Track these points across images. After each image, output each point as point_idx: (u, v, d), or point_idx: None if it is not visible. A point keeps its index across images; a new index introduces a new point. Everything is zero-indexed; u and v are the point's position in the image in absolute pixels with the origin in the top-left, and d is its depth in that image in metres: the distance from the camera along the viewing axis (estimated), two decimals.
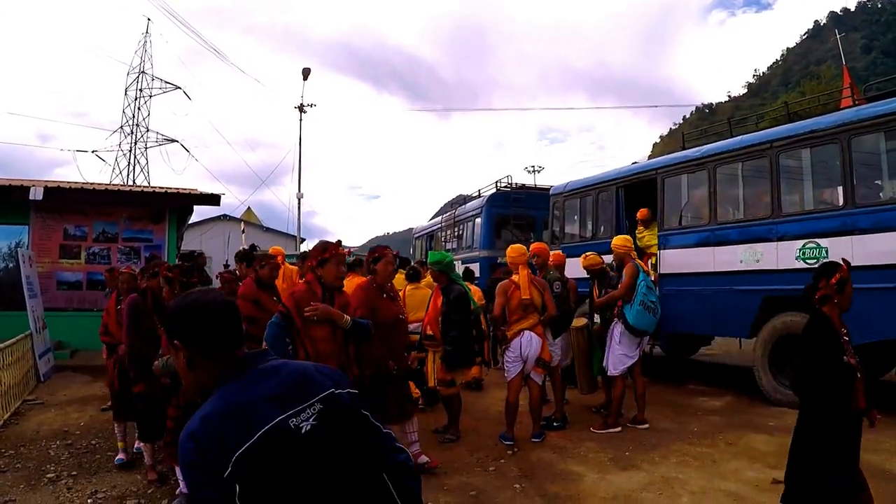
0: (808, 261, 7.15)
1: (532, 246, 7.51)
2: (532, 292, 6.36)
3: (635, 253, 7.34)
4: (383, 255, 5.43)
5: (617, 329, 6.94)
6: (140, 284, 5.84)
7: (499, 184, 15.40)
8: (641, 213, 9.65)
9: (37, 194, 11.75)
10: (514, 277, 6.45)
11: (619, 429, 6.78)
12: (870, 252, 6.64)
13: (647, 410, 7.05)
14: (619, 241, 7.23)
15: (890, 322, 6.49)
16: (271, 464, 1.52)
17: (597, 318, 7.47)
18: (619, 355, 6.87)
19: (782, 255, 7.47)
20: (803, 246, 7.23)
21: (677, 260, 8.93)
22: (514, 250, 6.70)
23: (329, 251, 4.40)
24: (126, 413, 5.86)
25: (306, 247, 35.68)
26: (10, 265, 12.04)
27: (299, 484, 1.57)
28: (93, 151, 44.08)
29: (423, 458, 5.55)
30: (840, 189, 7.27)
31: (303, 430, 1.59)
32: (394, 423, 5.24)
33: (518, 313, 6.31)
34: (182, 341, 1.69)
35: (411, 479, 1.86)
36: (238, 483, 1.46)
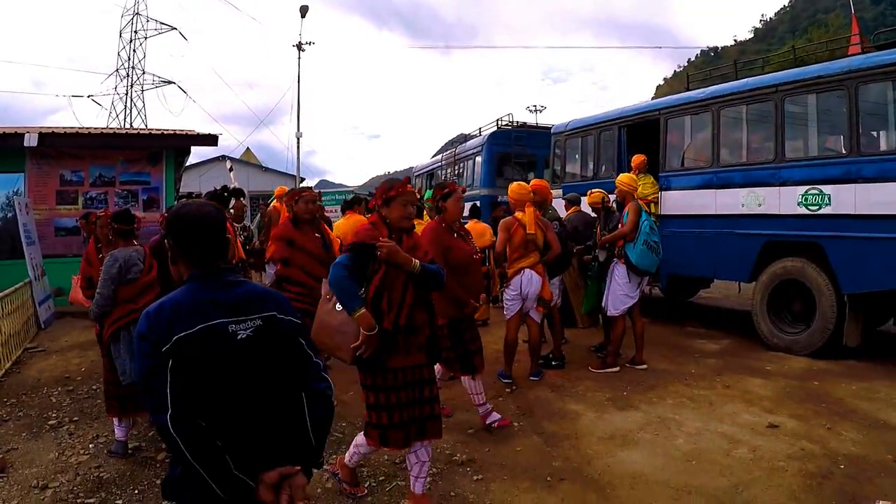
0: (809, 207, 7.12)
1: (532, 183, 7.48)
2: (536, 229, 6.28)
3: (638, 193, 7.31)
4: (453, 190, 5.00)
5: (618, 269, 6.92)
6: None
7: (500, 122, 15.20)
8: (635, 159, 9.57)
9: (31, 141, 11.61)
10: (518, 215, 6.36)
11: (617, 369, 6.82)
12: (872, 202, 6.61)
13: (645, 351, 7.08)
14: (624, 178, 7.17)
15: (889, 272, 6.48)
16: (202, 353, 1.92)
17: (600, 256, 7.33)
18: (620, 295, 6.86)
19: (784, 200, 7.42)
20: (805, 192, 7.18)
21: (679, 202, 8.89)
22: (518, 187, 6.58)
23: (395, 189, 3.86)
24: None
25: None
26: (9, 214, 11.86)
27: (221, 377, 1.95)
28: (88, 96, 43.66)
29: (495, 416, 5.30)
30: (845, 137, 7.20)
31: (238, 337, 1.99)
32: (476, 373, 5.15)
33: (519, 251, 6.24)
34: (172, 240, 2.12)
35: (326, 406, 2.19)
36: (172, 358, 1.87)
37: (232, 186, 7.63)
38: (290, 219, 5.68)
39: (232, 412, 1.96)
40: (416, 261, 3.61)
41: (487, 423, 5.25)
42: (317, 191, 5.65)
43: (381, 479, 4.41)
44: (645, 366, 6.96)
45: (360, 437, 3.91)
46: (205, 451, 1.86)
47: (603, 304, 7.13)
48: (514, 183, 6.68)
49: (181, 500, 2.02)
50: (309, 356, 2.18)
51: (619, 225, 6.99)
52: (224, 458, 1.88)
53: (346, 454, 4.07)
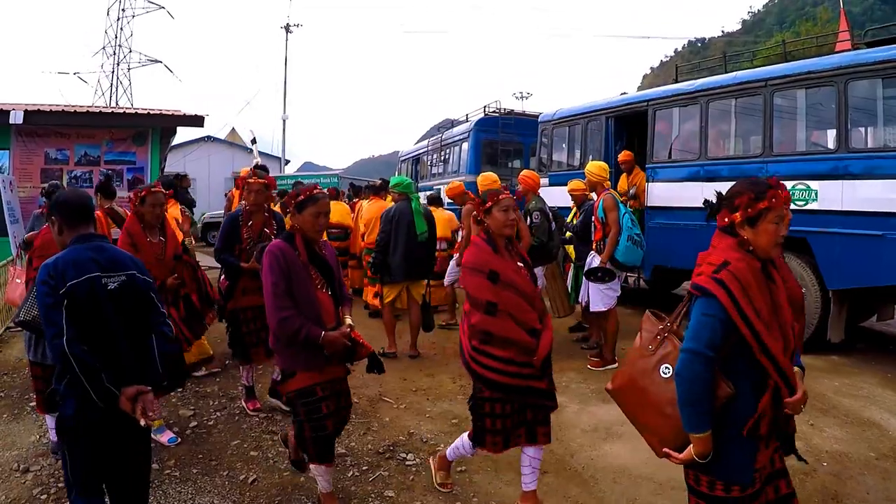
0: (796, 202, 7.14)
1: (522, 173, 7.61)
2: (518, 220, 6.30)
3: (609, 183, 7.20)
4: (497, 201, 3.69)
5: (595, 263, 6.85)
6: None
7: (487, 109, 15.16)
8: (623, 156, 9.59)
9: (16, 118, 11.46)
10: None
11: (615, 364, 6.67)
12: (859, 198, 6.64)
13: (629, 343, 7.05)
14: (593, 167, 7.07)
15: (874, 269, 6.53)
16: (86, 297, 2.66)
17: (596, 260, 6.91)
18: (604, 291, 6.79)
19: None
20: (793, 187, 7.20)
21: (665, 193, 8.91)
22: (485, 178, 7.11)
23: (491, 198, 3.64)
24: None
25: (291, 169, 35.11)
26: None
27: (97, 315, 2.69)
28: (74, 73, 43.15)
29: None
30: (833, 132, 7.22)
31: (108, 287, 2.75)
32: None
33: None
34: (59, 216, 2.88)
35: (171, 344, 3.05)
36: (66, 299, 2.60)
37: (255, 162, 7.41)
38: (137, 217, 4.83)
39: (105, 341, 2.70)
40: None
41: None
42: (262, 179, 5.37)
43: (364, 468, 4.41)
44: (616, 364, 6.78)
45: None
46: (87, 366, 2.57)
47: (581, 299, 7.11)
48: (483, 173, 6.83)
49: (63, 408, 2.70)
50: (157, 306, 2.97)
51: (593, 217, 6.94)
52: (100, 373, 2.59)
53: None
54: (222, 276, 5.81)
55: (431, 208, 8.25)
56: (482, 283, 3.52)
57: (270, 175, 5.87)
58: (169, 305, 4.57)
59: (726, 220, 2.45)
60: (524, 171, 7.73)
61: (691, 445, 2.37)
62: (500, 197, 3.67)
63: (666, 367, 2.51)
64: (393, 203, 7.31)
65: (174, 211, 7.00)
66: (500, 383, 3.48)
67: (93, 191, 7.92)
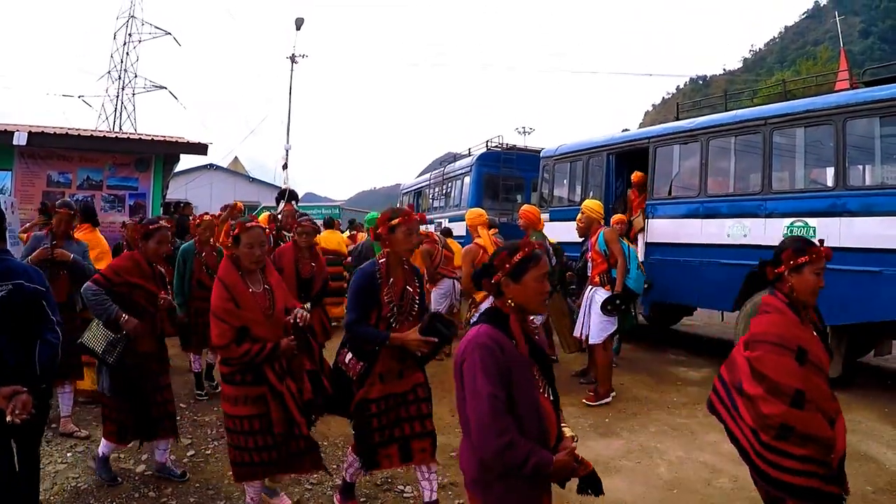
0: None
1: (522, 208, 7.69)
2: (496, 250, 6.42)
3: (603, 221, 7.31)
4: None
5: (599, 294, 6.86)
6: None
7: (489, 143, 15.29)
8: (636, 176, 9.70)
9: (20, 139, 11.49)
10: (478, 240, 6.56)
11: (609, 399, 6.70)
12: (856, 235, 6.69)
13: (627, 378, 7.11)
14: (592, 204, 7.20)
15: (872, 305, 6.55)
16: None
17: (598, 293, 6.91)
18: (604, 322, 6.80)
19: (770, 231, 7.49)
20: (791, 224, 7.26)
21: (665, 230, 8.96)
22: (471, 213, 7.30)
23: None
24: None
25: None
26: None
27: None
28: (79, 96, 43.40)
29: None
30: (832, 170, 7.28)
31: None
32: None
33: None
34: None
35: (51, 351, 3.15)
36: None
37: (284, 187, 7.30)
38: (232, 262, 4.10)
39: None
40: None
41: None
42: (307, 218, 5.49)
43: (362, 500, 4.39)
44: (612, 396, 6.82)
45: None
46: None
47: (578, 332, 7.12)
48: (469, 209, 6.97)
49: None
50: (47, 314, 3.18)
51: (590, 253, 7.06)
52: None
53: None
54: (349, 356, 3.94)
55: (327, 231, 8.67)
56: (789, 366, 2.86)
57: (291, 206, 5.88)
58: (284, 375, 3.81)
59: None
60: (525, 206, 7.79)
61: None
62: (409, 218, 3.82)
63: None
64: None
65: (93, 237, 6.73)
66: (805, 488, 2.80)
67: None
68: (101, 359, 4.34)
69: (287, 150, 28.10)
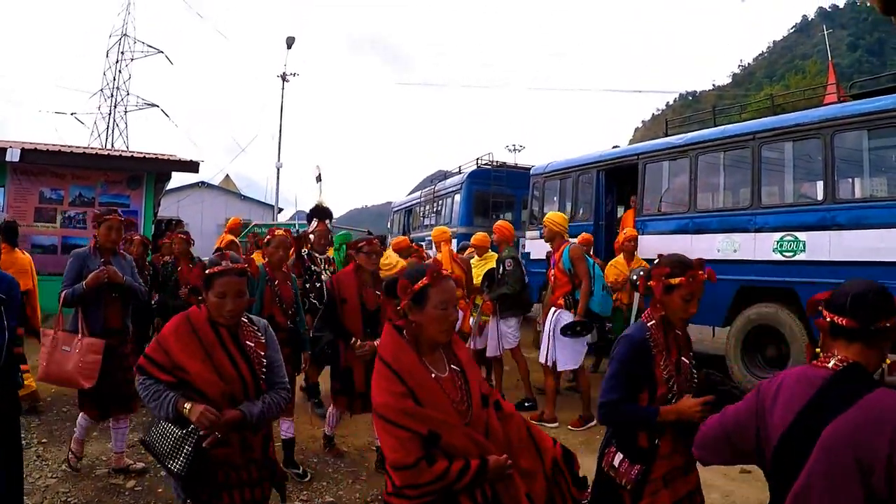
0: (784, 253, 7.22)
1: (496, 224, 7.52)
2: (453, 267, 6.55)
3: (567, 234, 6.91)
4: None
5: (564, 317, 6.49)
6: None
7: (480, 161, 15.36)
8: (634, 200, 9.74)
9: (13, 156, 11.52)
10: (437, 255, 6.65)
11: (595, 422, 6.30)
12: (846, 248, 6.72)
13: None
14: (555, 217, 6.86)
15: None
16: None
17: (563, 316, 6.57)
18: (573, 347, 6.51)
19: (759, 246, 7.53)
20: (781, 238, 7.29)
21: (655, 246, 8.93)
22: (436, 230, 7.72)
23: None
24: None
25: (283, 217, 35.21)
26: None
27: None
28: (71, 114, 43.41)
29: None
30: (820, 184, 7.32)
31: None
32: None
33: None
34: None
35: (13, 358, 3.39)
36: None
37: (318, 203, 6.32)
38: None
39: None
40: None
41: None
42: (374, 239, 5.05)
43: None
44: (556, 423, 6.57)
45: None
46: None
47: (543, 358, 6.71)
48: (437, 227, 7.10)
49: None
50: (1, 317, 3.27)
51: (552, 270, 6.73)
52: None
53: None
54: (618, 457, 2.89)
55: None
56: None
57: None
58: None
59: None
60: (498, 222, 7.66)
61: None
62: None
63: None
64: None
65: (20, 259, 6.63)
66: None
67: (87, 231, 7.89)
68: (164, 467, 2.82)
69: (278, 168, 28.12)
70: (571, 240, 7.14)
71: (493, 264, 7.34)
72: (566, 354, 6.52)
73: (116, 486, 4.76)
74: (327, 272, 6.77)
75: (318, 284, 6.66)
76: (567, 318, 6.46)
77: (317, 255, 6.91)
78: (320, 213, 6.87)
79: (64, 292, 4.67)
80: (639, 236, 9.06)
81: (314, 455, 5.39)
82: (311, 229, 6.86)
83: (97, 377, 4.64)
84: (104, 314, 4.83)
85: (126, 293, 4.90)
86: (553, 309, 6.66)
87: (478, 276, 7.42)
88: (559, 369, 6.68)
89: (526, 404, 7.04)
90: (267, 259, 5.13)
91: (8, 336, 3.27)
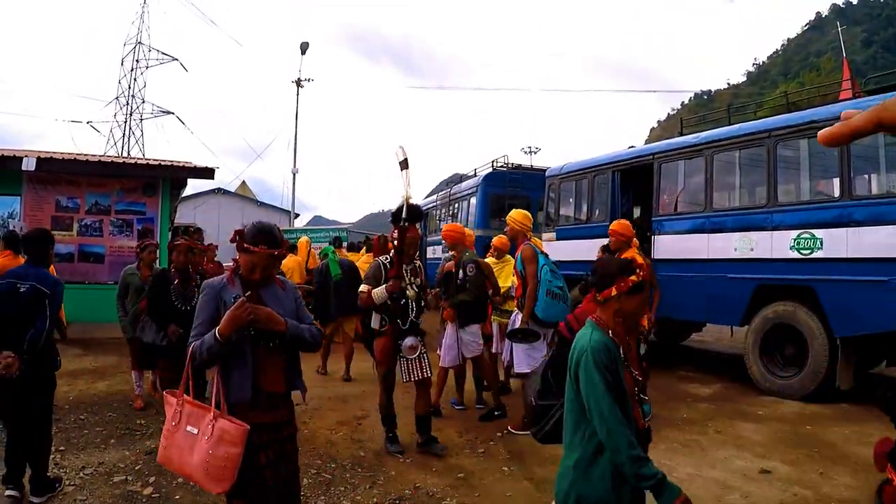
0: (802, 251, 7.16)
1: (444, 227, 7.31)
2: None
3: (531, 233, 6.61)
4: None
5: (517, 322, 6.36)
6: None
7: (495, 163, 15.37)
8: None
9: (29, 165, 11.63)
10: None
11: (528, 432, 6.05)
12: (864, 245, 6.67)
13: None
14: (517, 215, 6.58)
15: (880, 315, 6.50)
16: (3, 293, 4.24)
17: (519, 318, 6.38)
18: (528, 352, 6.23)
19: (776, 244, 7.47)
20: (798, 236, 7.23)
21: (671, 246, 8.92)
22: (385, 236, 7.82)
23: None
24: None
25: (300, 223, 35.35)
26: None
27: (6, 306, 4.19)
28: (87, 122, 43.80)
29: None
30: (837, 181, 7.26)
31: (20, 290, 4.25)
32: None
33: None
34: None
35: (38, 332, 4.22)
36: None
37: (405, 197, 4.97)
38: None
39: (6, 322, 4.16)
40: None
41: None
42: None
43: None
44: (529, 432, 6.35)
45: None
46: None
47: (503, 358, 6.75)
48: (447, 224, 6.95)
49: None
50: (45, 308, 4.29)
51: (514, 276, 6.49)
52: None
53: None
54: None
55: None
56: None
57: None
58: None
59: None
60: (446, 225, 7.43)
61: None
62: None
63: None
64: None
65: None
66: None
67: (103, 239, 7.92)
68: None
69: (294, 174, 28.21)
70: (539, 241, 7.00)
71: (510, 269, 7.16)
72: (520, 357, 6.32)
73: (133, 493, 4.76)
74: (413, 287, 5.54)
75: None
76: (519, 321, 6.34)
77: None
78: (411, 215, 5.14)
79: (192, 346, 2.83)
80: (654, 236, 9.04)
81: (331, 460, 5.38)
82: (394, 234, 5.42)
83: (234, 478, 2.71)
84: (254, 372, 2.90)
85: (288, 344, 2.98)
86: (515, 311, 6.61)
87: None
88: (515, 371, 6.56)
89: (496, 413, 6.72)
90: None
91: (49, 325, 4.33)
